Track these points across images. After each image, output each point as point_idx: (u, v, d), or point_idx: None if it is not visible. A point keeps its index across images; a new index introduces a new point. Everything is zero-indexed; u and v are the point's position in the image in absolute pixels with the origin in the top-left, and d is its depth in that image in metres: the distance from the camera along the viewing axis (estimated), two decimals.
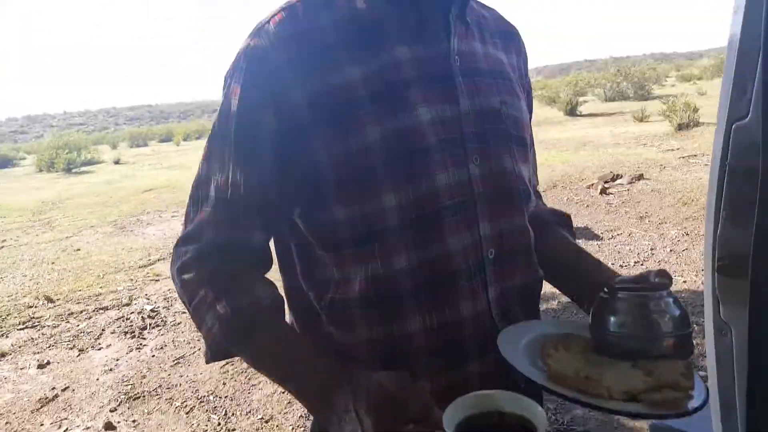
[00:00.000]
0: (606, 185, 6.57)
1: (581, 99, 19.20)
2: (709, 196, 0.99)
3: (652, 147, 9.18)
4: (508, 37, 0.93)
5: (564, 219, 1.00)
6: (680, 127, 10.25)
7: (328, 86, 0.73)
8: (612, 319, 0.70)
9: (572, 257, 0.93)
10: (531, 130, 1.00)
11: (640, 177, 6.83)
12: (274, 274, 0.82)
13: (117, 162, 19.32)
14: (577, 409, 2.64)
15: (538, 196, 1.06)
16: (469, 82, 0.79)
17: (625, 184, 6.63)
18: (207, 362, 0.78)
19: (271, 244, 0.85)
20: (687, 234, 4.82)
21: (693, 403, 0.63)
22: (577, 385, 0.65)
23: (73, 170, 17.28)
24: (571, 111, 17.08)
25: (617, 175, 6.96)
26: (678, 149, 8.65)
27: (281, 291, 0.84)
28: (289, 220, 0.81)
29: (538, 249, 0.92)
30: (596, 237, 4.93)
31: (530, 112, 0.98)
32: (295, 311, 0.87)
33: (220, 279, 0.75)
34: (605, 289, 0.73)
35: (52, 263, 6.35)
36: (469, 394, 0.57)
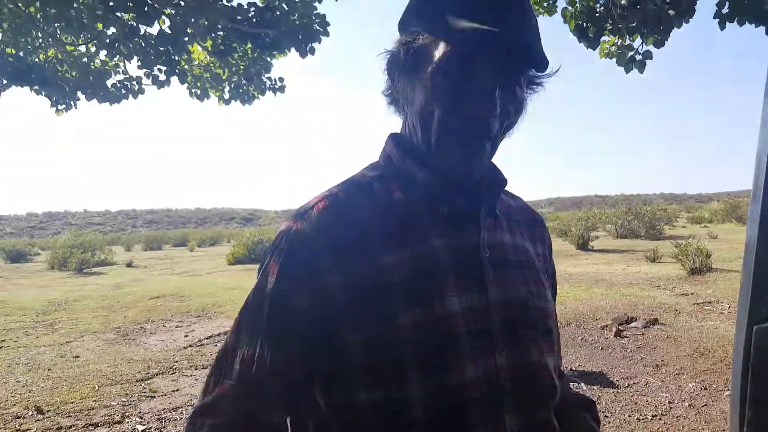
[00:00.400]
0: (621, 327, 6.45)
1: (593, 234, 19.48)
2: (732, 394, 0.99)
3: (666, 290, 9.12)
4: (533, 226, 0.98)
5: (588, 403, 1.00)
6: (693, 272, 10.25)
7: (364, 272, 0.75)
8: None
9: None
10: (555, 315, 1.02)
11: (655, 321, 6.72)
12: None
13: (129, 264, 19.53)
14: None
15: (561, 376, 1.05)
16: (497, 273, 0.82)
17: (640, 328, 6.51)
18: None
19: None
20: (706, 388, 4.63)
21: None
22: None
23: (85, 270, 17.45)
24: (583, 245, 17.28)
25: (632, 318, 6.86)
26: (692, 294, 8.58)
27: None
28: (309, 396, 0.81)
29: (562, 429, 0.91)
30: (612, 385, 4.74)
31: (554, 295, 1.00)
32: None
33: None
34: None
35: (49, 369, 6.20)
36: None
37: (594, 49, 5.54)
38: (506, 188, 1.00)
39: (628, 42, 5.42)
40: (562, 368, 1.07)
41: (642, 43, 5.28)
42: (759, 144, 1.00)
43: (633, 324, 6.68)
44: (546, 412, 0.83)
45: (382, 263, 0.76)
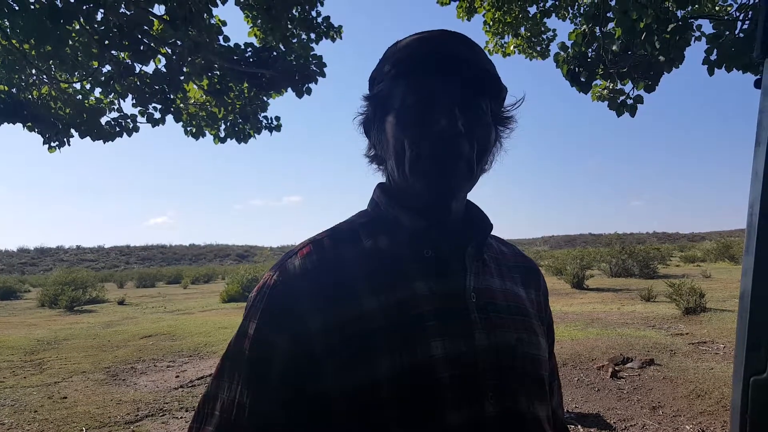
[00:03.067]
0: (617, 368, 6.40)
1: (587, 272, 19.50)
2: (733, 408, 0.97)
3: (661, 329, 9.09)
4: (527, 272, 0.98)
5: None
6: (687, 311, 10.23)
7: (345, 316, 0.75)
8: None
9: None
10: (554, 362, 1.02)
11: (651, 362, 6.67)
12: None
13: (121, 302, 19.28)
14: None
15: (565, 429, 1.03)
16: (485, 318, 0.81)
17: (636, 369, 6.46)
18: None
19: None
20: (703, 431, 4.58)
21: None
22: None
23: (76, 308, 17.20)
24: (578, 284, 17.26)
25: (627, 358, 6.81)
26: (687, 334, 8.55)
27: None
28: None
29: None
30: (609, 427, 4.68)
31: (552, 346, 1.00)
32: None
33: None
34: None
35: (35, 411, 6.06)
36: None
37: (586, 92, 5.68)
38: (502, 238, 1.02)
39: (619, 86, 5.57)
40: (562, 415, 1.05)
41: (633, 88, 5.43)
42: (750, 195, 1.02)
43: (629, 364, 6.63)
44: None
45: (363, 308, 0.76)
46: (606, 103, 5.71)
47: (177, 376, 7.56)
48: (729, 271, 21.46)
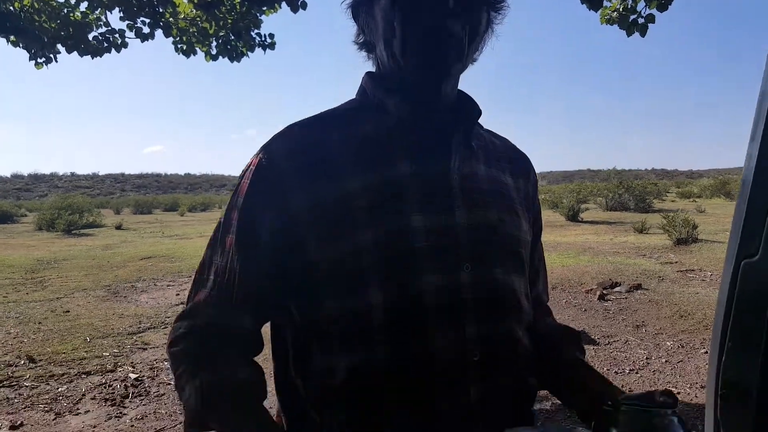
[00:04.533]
0: (604, 291, 6.59)
1: (583, 206, 19.63)
2: (715, 324, 0.97)
3: (651, 258, 9.29)
4: (517, 162, 0.98)
5: (573, 335, 1.01)
6: (679, 242, 10.42)
7: (328, 195, 0.79)
8: (614, 431, 0.70)
9: (580, 373, 0.93)
10: (541, 253, 1.04)
11: (639, 286, 6.86)
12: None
13: (119, 227, 19.45)
14: None
15: (549, 313, 1.07)
16: (467, 198, 0.83)
17: (624, 292, 6.65)
18: (185, 431, 0.79)
19: (267, 330, 0.89)
20: (683, 346, 4.78)
21: None
22: None
23: (73, 232, 17.38)
24: (573, 217, 17.41)
25: (616, 283, 7.00)
26: (676, 263, 8.74)
27: (271, 375, 0.88)
28: (286, 311, 0.85)
29: (545, 363, 0.94)
30: (592, 342, 4.87)
31: (539, 235, 1.01)
32: (281, 394, 0.90)
33: (204, 354, 0.78)
34: (609, 403, 0.73)
35: (39, 323, 6.25)
36: None
37: (596, 10, 5.49)
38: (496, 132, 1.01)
39: (631, 5, 5.38)
40: (546, 302, 1.09)
41: (645, 6, 5.25)
42: (763, 83, 0.98)
43: (617, 288, 6.82)
44: (507, 325, 0.85)
45: (347, 186, 0.79)
46: (615, 25, 5.53)
47: (177, 294, 7.75)
48: (724, 207, 21.65)
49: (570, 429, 0.82)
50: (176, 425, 3.58)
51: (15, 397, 4.06)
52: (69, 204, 21.31)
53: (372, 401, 0.79)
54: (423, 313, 0.78)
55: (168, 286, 8.40)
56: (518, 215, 0.90)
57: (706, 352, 4.50)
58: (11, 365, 4.76)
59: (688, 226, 10.59)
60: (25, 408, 3.87)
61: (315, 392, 0.82)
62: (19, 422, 3.61)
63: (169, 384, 4.30)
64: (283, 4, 6.13)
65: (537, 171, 1.05)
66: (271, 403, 0.88)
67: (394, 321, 0.77)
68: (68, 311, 6.84)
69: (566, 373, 0.93)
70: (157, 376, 4.50)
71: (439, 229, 0.79)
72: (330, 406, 0.81)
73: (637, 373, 4.17)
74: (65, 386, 4.30)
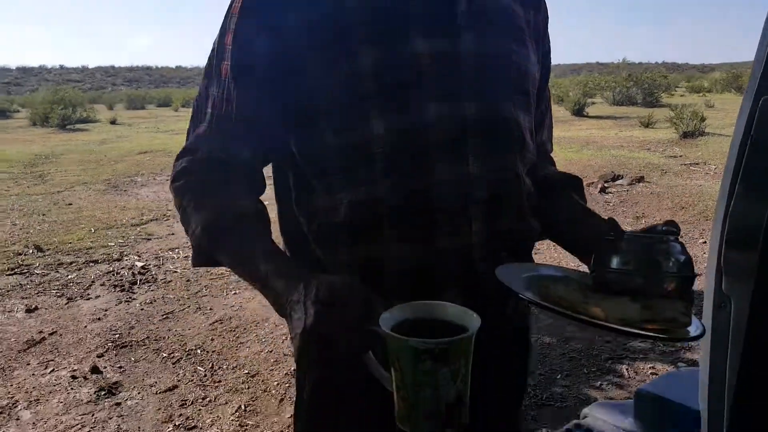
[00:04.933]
0: (606, 184, 6.58)
1: (589, 100, 19.16)
2: (726, 167, 0.98)
3: (656, 152, 9.19)
4: None
5: (575, 182, 0.99)
6: (685, 135, 10.26)
7: (324, 14, 0.75)
8: (615, 257, 0.69)
9: (581, 215, 0.92)
10: (548, 99, 1.01)
11: (641, 179, 6.84)
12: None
13: (113, 122, 19.20)
14: (555, 386, 2.66)
15: (552, 162, 1.06)
16: (473, 24, 0.79)
17: (625, 185, 6.64)
18: (193, 265, 0.80)
19: (269, 172, 0.87)
20: (682, 237, 4.83)
21: (689, 334, 0.63)
22: (574, 307, 0.64)
23: (68, 127, 17.16)
24: (579, 111, 17.06)
25: (618, 176, 6.97)
26: (681, 156, 8.66)
27: (275, 218, 0.87)
28: (286, 148, 0.83)
29: (547, 208, 0.92)
30: None
31: (546, 78, 0.97)
32: (286, 235, 0.90)
33: (207, 186, 0.77)
34: (611, 233, 0.73)
35: (43, 215, 6.31)
36: (410, 303, 0.60)
37: None
38: None
39: None
40: (550, 151, 1.06)
41: None
42: None
43: (618, 181, 6.80)
44: (513, 163, 0.82)
45: (344, 4, 0.75)
46: None
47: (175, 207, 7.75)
48: (734, 102, 21.12)
49: (564, 269, 0.82)
50: (184, 308, 3.71)
51: (27, 284, 4.18)
52: (61, 98, 20.76)
53: (374, 238, 0.78)
54: (426, 145, 0.76)
55: (167, 180, 8.21)
56: (527, 47, 0.87)
57: (705, 242, 4.56)
58: (20, 254, 4.86)
59: (696, 118, 10.37)
60: (37, 293, 4.00)
61: (318, 230, 0.82)
62: (33, 306, 3.74)
63: (176, 272, 4.42)
64: None
65: None
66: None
67: (395, 153, 0.75)
68: (71, 204, 6.88)
69: (568, 214, 0.92)
70: (163, 264, 4.61)
71: (444, 55, 0.76)
72: (332, 243, 0.80)
73: None
74: (74, 273, 4.41)
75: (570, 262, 2.19)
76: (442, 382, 0.54)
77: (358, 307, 0.55)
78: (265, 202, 0.82)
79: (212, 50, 0.80)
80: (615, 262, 0.69)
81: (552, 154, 1.09)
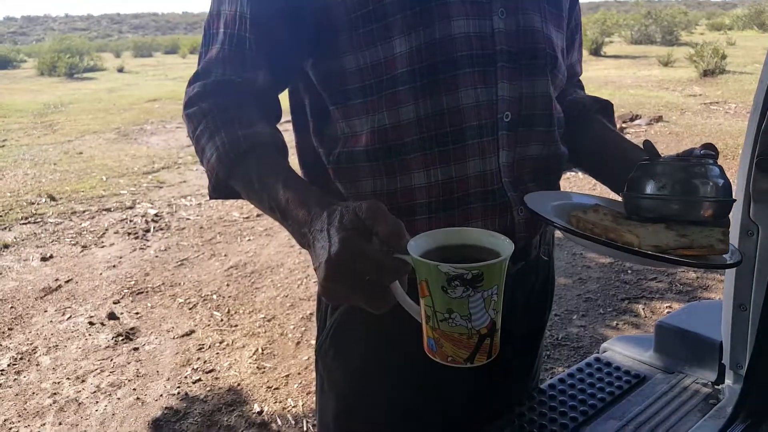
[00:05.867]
0: (624, 125, 6.41)
1: (607, 39, 18.50)
2: (758, 89, 0.93)
3: (675, 91, 8.90)
4: None
5: (605, 106, 0.94)
6: (705, 74, 9.91)
7: None
8: (649, 182, 0.66)
9: (612, 140, 0.87)
10: (578, 16, 0.94)
11: (659, 119, 6.65)
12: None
13: (120, 70, 18.96)
14: (571, 326, 2.67)
15: (580, 85, 1.02)
16: None
17: (643, 125, 6.47)
18: (210, 197, 0.75)
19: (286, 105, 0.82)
20: None
21: (726, 261, 0.60)
22: (606, 234, 0.61)
23: (75, 75, 17.01)
24: (596, 51, 16.53)
25: (636, 116, 6.78)
26: (700, 95, 8.38)
27: (293, 148, 0.82)
28: (302, 73, 0.78)
29: (576, 133, 0.88)
30: None
31: (578, 25, 0.92)
32: (305, 168, 0.86)
33: (221, 111, 0.70)
34: (646, 157, 0.69)
35: (54, 164, 6.32)
36: (439, 229, 0.56)
37: None
38: None
39: None
40: (579, 74, 1.01)
41: None
42: None
43: (637, 121, 6.62)
44: (544, 83, 0.78)
45: None
46: None
47: (187, 136, 7.70)
48: (756, 39, 20.30)
49: (595, 197, 0.78)
50: (199, 255, 3.74)
51: (41, 232, 4.23)
52: (67, 47, 20.45)
53: (398, 166, 0.74)
54: (452, 63, 0.70)
55: (177, 128, 8.31)
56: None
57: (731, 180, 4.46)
58: (33, 203, 4.89)
59: (716, 56, 9.97)
60: (52, 242, 4.04)
61: (338, 161, 0.78)
62: (48, 254, 3.79)
63: (189, 219, 4.43)
64: None
65: None
66: None
67: (419, 73, 0.70)
68: (81, 153, 6.88)
69: (599, 139, 0.88)
70: (176, 212, 4.62)
71: None
72: (354, 174, 0.77)
73: None
74: (88, 222, 4.44)
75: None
76: (473, 309, 0.50)
77: (386, 233, 0.51)
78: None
79: None
80: (650, 187, 0.66)
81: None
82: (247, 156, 0.68)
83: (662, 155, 0.71)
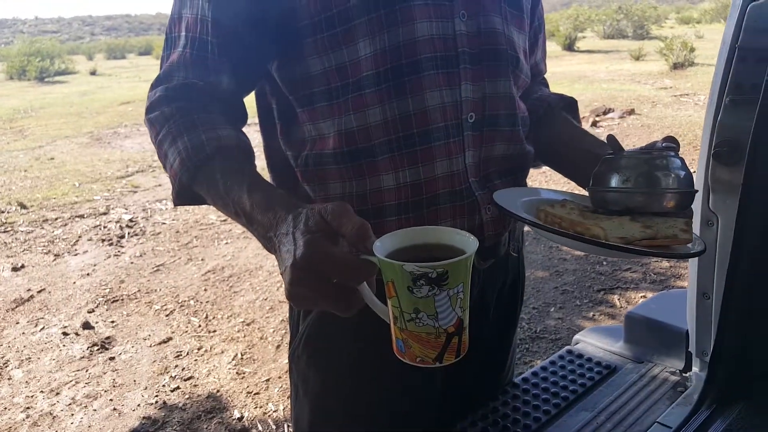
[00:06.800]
0: (597, 118, 6.51)
1: (580, 34, 18.78)
2: (713, 83, 0.96)
3: (646, 84, 9.05)
4: None
5: (570, 103, 0.95)
6: (675, 66, 10.12)
7: None
8: (614, 175, 0.68)
9: (577, 136, 0.88)
10: (541, 15, 0.96)
11: (632, 112, 6.76)
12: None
13: (93, 73, 18.63)
14: (549, 319, 2.70)
15: (546, 84, 1.03)
16: None
17: (616, 119, 6.57)
18: (174, 204, 0.74)
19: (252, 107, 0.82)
20: None
21: (689, 251, 0.61)
22: (572, 227, 0.62)
23: (46, 79, 16.68)
24: (569, 46, 16.77)
25: (609, 109, 6.88)
26: (671, 87, 8.54)
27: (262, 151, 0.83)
28: (268, 75, 0.78)
29: (541, 130, 0.89)
30: None
31: (541, 23, 0.93)
32: (273, 170, 0.86)
33: (184, 115, 0.69)
34: (610, 152, 0.71)
35: (25, 171, 6.17)
36: (403, 229, 0.56)
37: None
38: None
39: None
40: (543, 72, 1.02)
41: None
42: None
43: (610, 115, 6.72)
44: (506, 83, 0.78)
45: None
46: None
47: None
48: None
49: (563, 192, 0.79)
50: (175, 260, 3.69)
51: (12, 242, 4.13)
52: (37, 50, 19.97)
53: (365, 168, 0.74)
54: (416, 65, 0.71)
55: None
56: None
57: (693, 171, 4.54)
58: (3, 212, 4.78)
59: (685, 49, 10.19)
60: (23, 251, 3.95)
61: (306, 164, 0.77)
62: (20, 264, 3.70)
63: (164, 223, 4.37)
64: None
65: None
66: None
67: (384, 76, 0.70)
68: (53, 158, 6.73)
69: (564, 136, 0.89)
70: (151, 216, 4.55)
71: None
72: (322, 177, 0.77)
73: None
74: (60, 229, 4.35)
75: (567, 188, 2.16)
76: (440, 308, 0.50)
77: (352, 235, 0.51)
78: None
79: None
80: (614, 181, 0.68)
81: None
82: (211, 160, 0.66)
83: (625, 149, 0.73)
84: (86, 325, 2.87)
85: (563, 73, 11.13)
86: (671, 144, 0.69)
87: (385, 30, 0.69)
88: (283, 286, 0.52)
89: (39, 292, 3.30)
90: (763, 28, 0.90)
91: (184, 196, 0.71)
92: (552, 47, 17.09)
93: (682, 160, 0.68)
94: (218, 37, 0.71)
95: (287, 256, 0.51)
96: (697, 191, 0.70)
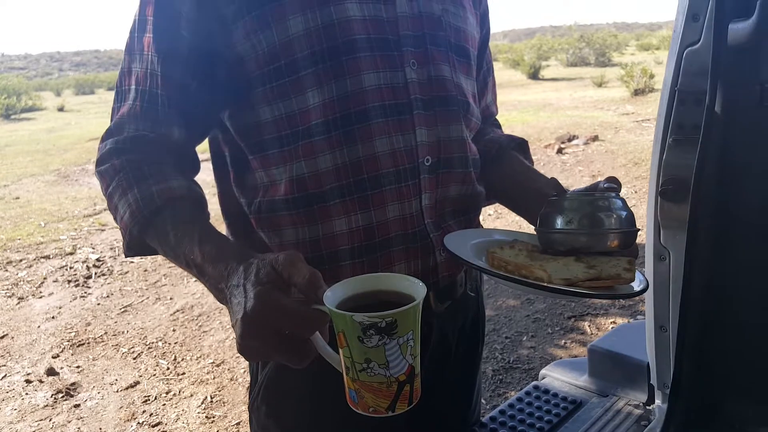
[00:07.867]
0: (562, 145, 6.67)
1: (544, 63, 19.38)
2: (657, 124, 1.00)
3: (609, 111, 9.34)
4: None
5: (520, 144, 0.98)
6: (636, 93, 10.47)
7: None
8: (558, 217, 0.70)
9: (526, 176, 0.90)
10: (489, 60, 0.99)
11: (595, 138, 6.95)
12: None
13: (61, 109, 18.39)
14: (521, 348, 2.71)
15: (497, 124, 1.06)
16: None
17: (581, 145, 6.74)
18: (125, 255, 0.73)
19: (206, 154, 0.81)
20: (636, 192, 4.97)
21: (633, 290, 0.63)
22: (518, 270, 0.63)
23: (12, 117, 16.41)
24: (534, 75, 17.24)
25: (573, 136, 7.06)
26: (633, 113, 8.83)
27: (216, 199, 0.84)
28: (220, 123, 0.79)
29: (494, 171, 0.92)
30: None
31: (486, 39, 0.96)
32: (228, 218, 0.86)
33: (135, 168, 0.69)
34: (554, 193, 0.74)
35: None
36: (354, 277, 0.57)
37: None
38: None
39: None
40: (495, 114, 1.05)
41: None
42: None
43: (574, 141, 6.90)
44: (458, 128, 0.81)
45: None
46: None
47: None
48: None
49: (514, 233, 0.81)
50: (143, 300, 3.61)
51: None
52: (3, 87, 19.70)
53: (318, 214, 0.75)
54: (364, 114, 0.72)
55: None
56: (463, 7, 0.85)
57: (644, 208, 4.68)
58: None
59: (645, 76, 10.58)
60: None
61: (259, 210, 0.78)
62: None
63: (132, 262, 4.28)
64: None
65: (499, 29, 0.97)
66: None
67: (333, 124, 0.72)
68: (18, 197, 6.58)
69: (514, 177, 0.91)
70: (119, 255, 4.46)
71: (379, 20, 0.73)
72: (275, 224, 0.77)
73: None
74: (24, 271, 4.23)
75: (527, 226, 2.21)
76: (390, 357, 0.51)
77: (303, 284, 0.51)
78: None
79: (132, 24, 0.75)
80: (558, 222, 0.70)
81: (508, 118, 1.09)
82: (162, 211, 0.67)
83: (570, 190, 0.76)
84: (50, 372, 2.77)
85: (529, 101, 11.43)
86: (613, 185, 0.72)
87: (332, 81, 0.71)
88: (235, 339, 0.52)
89: (1, 337, 3.18)
90: (699, 71, 0.96)
91: (135, 247, 0.71)
92: (517, 76, 17.61)
93: (624, 201, 0.70)
94: (168, 90, 0.72)
95: (238, 309, 0.51)
96: (639, 230, 0.72)
